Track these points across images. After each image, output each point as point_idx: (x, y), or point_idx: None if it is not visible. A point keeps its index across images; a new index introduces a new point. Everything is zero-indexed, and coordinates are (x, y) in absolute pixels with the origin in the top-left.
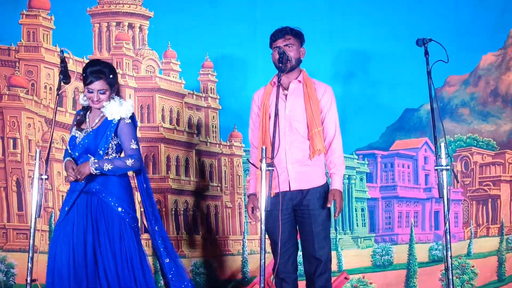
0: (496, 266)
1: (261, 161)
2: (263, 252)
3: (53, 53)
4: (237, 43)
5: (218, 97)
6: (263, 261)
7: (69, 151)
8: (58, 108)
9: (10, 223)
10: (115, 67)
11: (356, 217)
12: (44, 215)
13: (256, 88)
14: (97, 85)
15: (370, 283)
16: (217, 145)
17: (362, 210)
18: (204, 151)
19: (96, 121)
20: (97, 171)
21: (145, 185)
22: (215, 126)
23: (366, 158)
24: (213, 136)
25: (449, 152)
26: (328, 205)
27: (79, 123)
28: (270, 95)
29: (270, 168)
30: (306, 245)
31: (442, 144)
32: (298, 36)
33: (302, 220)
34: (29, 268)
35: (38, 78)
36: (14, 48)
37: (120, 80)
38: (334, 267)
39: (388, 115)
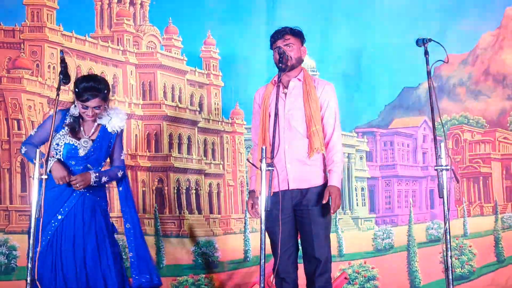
0: (493, 245)
1: (261, 161)
2: (263, 252)
3: (56, 32)
4: (240, 19)
5: (221, 74)
6: (263, 261)
7: (59, 158)
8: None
9: (12, 205)
10: (116, 44)
11: (356, 196)
12: None
13: (259, 65)
14: (93, 103)
15: (372, 268)
16: (219, 123)
17: (362, 189)
18: (207, 128)
19: (93, 130)
20: (94, 184)
21: (131, 192)
22: (217, 103)
23: (365, 136)
24: (215, 114)
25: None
26: (324, 202)
27: (72, 129)
28: (271, 94)
29: (270, 168)
30: (305, 245)
31: (442, 144)
32: (298, 35)
33: (302, 220)
34: (29, 268)
35: (42, 58)
36: (18, 29)
37: (121, 57)
38: (334, 251)
39: (387, 94)
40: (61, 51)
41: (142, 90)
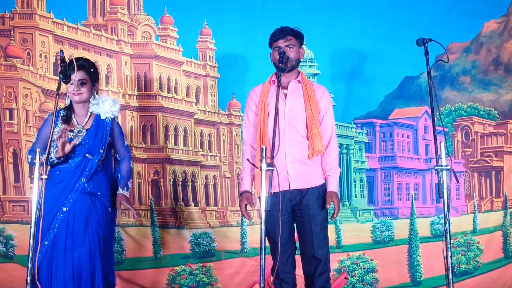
0: (501, 241)
1: (261, 161)
2: (263, 252)
3: (47, 20)
4: (236, 9)
5: (217, 65)
6: (263, 261)
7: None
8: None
9: (6, 195)
10: (110, 33)
11: (355, 188)
12: None
13: (256, 56)
14: (77, 75)
15: (371, 260)
16: (215, 114)
17: (361, 181)
18: (203, 120)
19: (86, 120)
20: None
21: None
22: (214, 94)
23: (364, 127)
24: (211, 105)
25: (450, 122)
26: (327, 207)
27: (66, 119)
28: (269, 93)
29: (270, 168)
30: (305, 245)
31: (442, 144)
32: (299, 36)
33: (301, 220)
34: (29, 268)
35: (33, 46)
36: (8, 16)
37: (115, 47)
38: (333, 242)
39: (387, 83)
40: (61, 51)
41: (137, 80)
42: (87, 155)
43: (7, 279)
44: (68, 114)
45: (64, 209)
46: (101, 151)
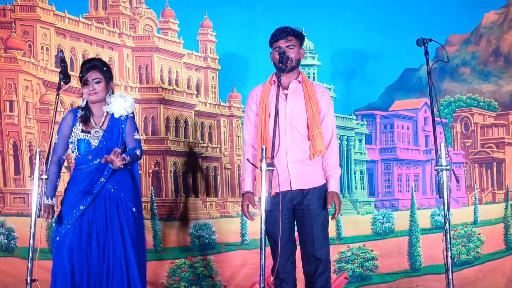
0: (503, 233)
1: (261, 161)
2: (263, 252)
3: (49, 12)
4: (237, 1)
5: (218, 57)
6: (263, 261)
7: (78, 155)
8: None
9: (6, 188)
10: (112, 26)
11: (355, 180)
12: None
13: (256, 48)
14: (91, 75)
15: (371, 251)
16: (216, 106)
17: (361, 172)
18: (203, 112)
19: (102, 119)
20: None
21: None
22: (215, 86)
23: (365, 119)
24: (212, 97)
25: (449, 113)
26: (328, 207)
27: (84, 120)
28: (269, 93)
29: (270, 168)
30: (306, 245)
31: (442, 144)
32: (299, 37)
33: (302, 220)
34: (29, 268)
35: (35, 39)
36: (9, 8)
37: (117, 40)
38: (333, 233)
39: (387, 75)
40: (61, 51)
41: (138, 73)
42: (106, 155)
43: (9, 273)
44: (86, 114)
45: (81, 207)
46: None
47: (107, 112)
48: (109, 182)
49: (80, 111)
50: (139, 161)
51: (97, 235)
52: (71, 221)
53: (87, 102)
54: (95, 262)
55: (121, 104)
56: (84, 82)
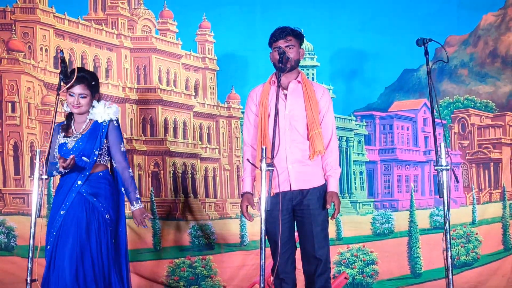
0: (501, 233)
1: (261, 161)
2: (263, 252)
3: (49, 14)
4: (236, 2)
5: (216, 58)
6: (263, 261)
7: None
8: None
9: (6, 188)
10: (111, 27)
11: (355, 180)
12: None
13: (255, 49)
14: (78, 89)
15: (371, 252)
16: (215, 107)
17: (361, 173)
18: (202, 113)
19: (84, 126)
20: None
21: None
22: (213, 87)
23: (364, 120)
24: (211, 98)
25: (448, 114)
26: (327, 207)
27: (64, 129)
28: (269, 93)
29: (270, 168)
30: (305, 245)
31: (442, 144)
32: (299, 37)
33: (302, 220)
34: (29, 268)
35: (34, 40)
36: (10, 10)
37: (115, 41)
38: (333, 234)
39: (386, 75)
40: (61, 51)
41: (137, 74)
42: (83, 157)
43: (8, 272)
44: (67, 122)
45: (62, 212)
46: (96, 152)
47: (90, 119)
48: (85, 185)
49: (65, 120)
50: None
51: (72, 240)
52: (56, 228)
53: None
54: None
55: (102, 109)
56: (70, 92)
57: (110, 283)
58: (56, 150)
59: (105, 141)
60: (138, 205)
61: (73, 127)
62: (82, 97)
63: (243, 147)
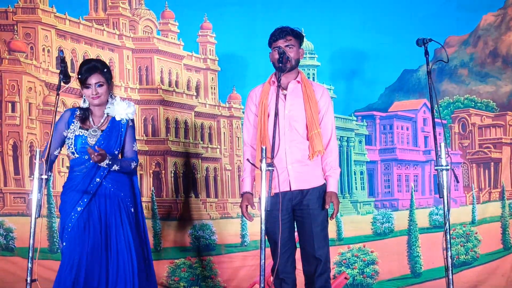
0: (500, 232)
1: (261, 161)
2: (263, 252)
3: (50, 14)
4: (237, 2)
5: (217, 59)
6: (263, 261)
7: (75, 154)
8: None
9: (7, 188)
10: (112, 28)
11: (355, 180)
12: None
13: (256, 49)
14: (93, 78)
15: (371, 252)
16: (216, 107)
17: (361, 173)
18: (203, 113)
19: (102, 121)
20: (105, 166)
21: (139, 184)
22: (214, 87)
23: (364, 120)
24: (212, 98)
25: (448, 114)
26: (326, 207)
27: (82, 119)
28: (269, 94)
29: (270, 168)
30: (305, 245)
31: (442, 144)
32: (298, 36)
33: (302, 220)
34: (29, 268)
35: (36, 41)
36: (11, 10)
37: (117, 41)
38: (333, 234)
39: (386, 76)
40: (61, 51)
41: (138, 74)
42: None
43: (9, 271)
44: (85, 113)
45: (79, 208)
46: (116, 152)
47: (108, 114)
48: (107, 181)
49: (79, 110)
50: (137, 163)
51: (94, 233)
52: (71, 224)
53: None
54: (96, 259)
55: (123, 108)
56: (85, 85)
57: (137, 278)
58: (73, 140)
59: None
60: (108, 157)
61: (91, 120)
62: (99, 86)
63: (243, 147)
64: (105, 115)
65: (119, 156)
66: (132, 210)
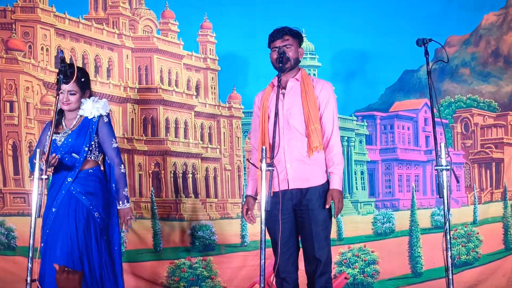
0: (501, 233)
1: (261, 161)
2: (263, 252)
3: (49, 13)
4: (237, 2)
5: (217, 58)
6: (263, 261)
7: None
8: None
9: (6, 188)
10: (112, 27)
11: (356, 180)
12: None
13: (257, 48)
14: (68, 86)
15: (372, 252)
16: (216, 107)
17: (362, 173)
18: (203, 112)
19: (74, 122)
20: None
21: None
22: (214, 87)
23: (365, 120)
24: (212, 98)
25: (449, 113)
26: (326, 206)
27: (55, 125)
28: (269, 96)
29: (270, 168)
30: (306, 245)
31: (442, 144)
32: (296, 36)
33: (302, 220)
34: (29, 268)
35: (35, 40)
36: (10, 9)
37: (117, 40)
38: (334, 234)
39: (387, 76)
40: (61, 51)
41: (138, 74)
42: (73, 154)
43: (9, 271)
44: (58, 118)
45: (53, 209)
46: (86, 149)
47: (80, 115)
48: (74, 183)
49: (57, 116)
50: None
51: (62, 237)
52: (49, 225)
53: None
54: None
55: (91, 104)
56: (60, 90)
57: (102, 282)
58: (47, 147)
59: (96, 137)
60: (123, 204)
61: (63, 124)
62: (71, 94)
63: (252, 150)
64: (78, 116)
65: (100, 155)
66: (97, 214)
